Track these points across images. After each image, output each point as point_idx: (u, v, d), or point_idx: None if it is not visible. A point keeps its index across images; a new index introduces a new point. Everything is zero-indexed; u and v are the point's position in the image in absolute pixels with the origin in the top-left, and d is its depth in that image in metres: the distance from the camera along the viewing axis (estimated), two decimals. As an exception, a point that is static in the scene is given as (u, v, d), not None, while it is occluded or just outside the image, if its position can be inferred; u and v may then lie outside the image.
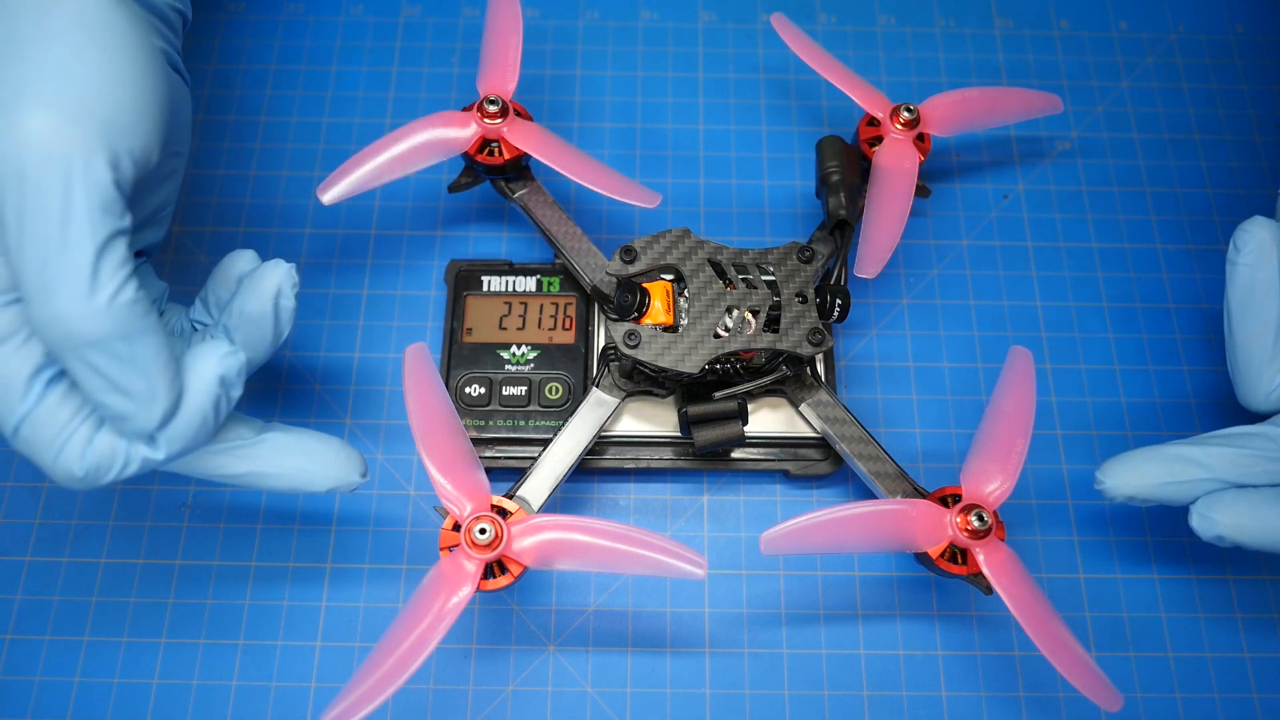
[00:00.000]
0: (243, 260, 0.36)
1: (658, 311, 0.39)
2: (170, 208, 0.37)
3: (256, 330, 0.35)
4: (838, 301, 0.40)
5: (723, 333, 0.39)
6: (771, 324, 0.39)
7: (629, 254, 0.39)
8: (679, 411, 0.41)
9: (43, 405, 0.30)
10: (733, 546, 0.43)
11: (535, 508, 0.38)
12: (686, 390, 0.41)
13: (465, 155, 0.43)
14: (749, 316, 0.39)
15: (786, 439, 0.43)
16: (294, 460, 0.35)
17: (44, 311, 0.28)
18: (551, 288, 0.45)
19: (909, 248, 0.48)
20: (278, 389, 0.45)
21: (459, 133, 0.43)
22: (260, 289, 0.34)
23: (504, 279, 0.45)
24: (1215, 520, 0.36)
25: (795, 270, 0.40)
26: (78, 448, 0.31)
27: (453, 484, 0.36)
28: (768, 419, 0.43)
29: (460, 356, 0.44)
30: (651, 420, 0.43)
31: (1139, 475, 0.37)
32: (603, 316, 0.44)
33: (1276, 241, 0.37)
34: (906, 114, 0.44)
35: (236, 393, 0.33)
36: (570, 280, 0.45)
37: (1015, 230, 0.49)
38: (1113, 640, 0.41)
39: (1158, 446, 0.38)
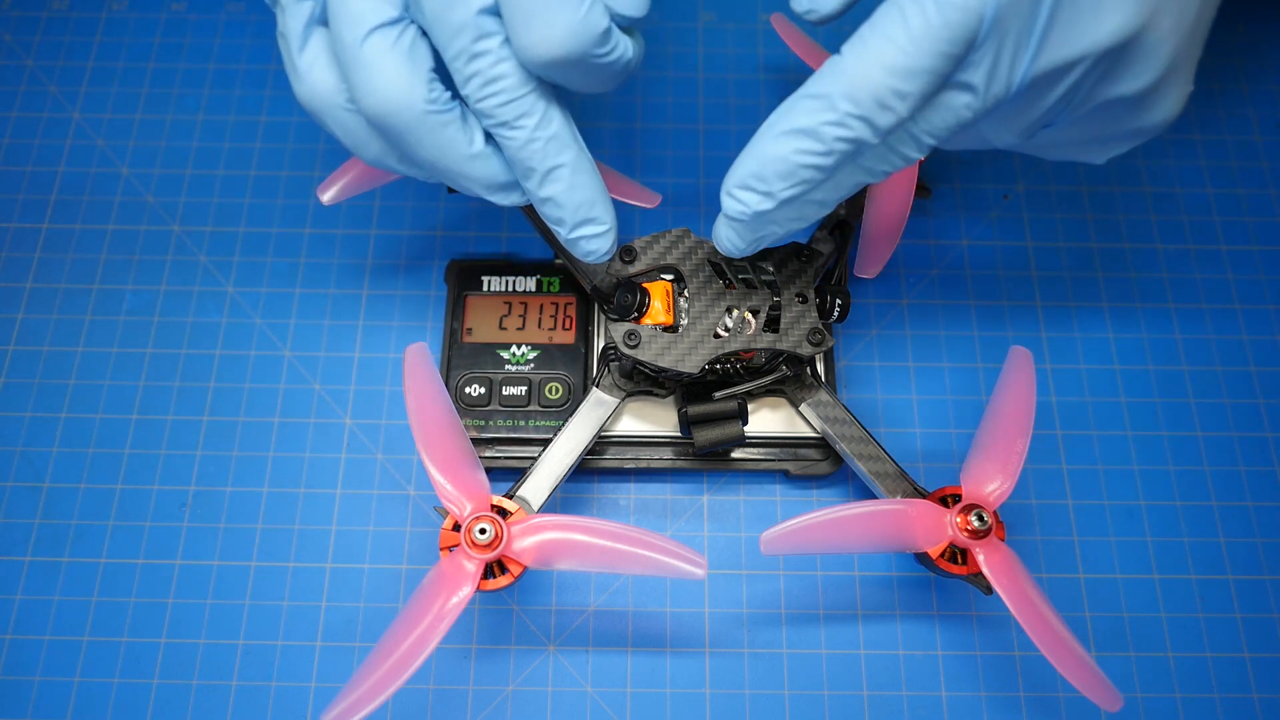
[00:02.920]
0: None
1: (658, 311, 0.39)
2: None
3: None
4: (838, 301, 0.40)
5: (723, 333, 0.39)
6: (771, 324, 0.39)
7: (629, 254, 0.39)
8: (679, 411, 0.41)
9: None
10: (733, 546, 0.43)
11: (535, 508, 0.38)
12: (686, 390, 0.41)
13: (465, 155, 0.43)
14: (749, 316, 0.39)
15: (786, 439, 0.43)
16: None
17: None
18: (551, 288, 0.45)
19: (909, 248, 0.48)
20: (278, 388, 0.45)
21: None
22: None
23: (504, 279, 0.45)
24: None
25: (795, 270, 0.40)
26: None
27: (453, 484, 0.36)
28: (768, 419, 0.43)
29: (460, 356, 0.44)
30: (651, 420, 0.43)
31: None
32: (603, 316, 0.44)
33: None
34: (906, 114, 0.44)
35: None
36: (570, 280, 0.45)
37: (1015, 230, 0.49)
38: (1113, 640, 0.41)
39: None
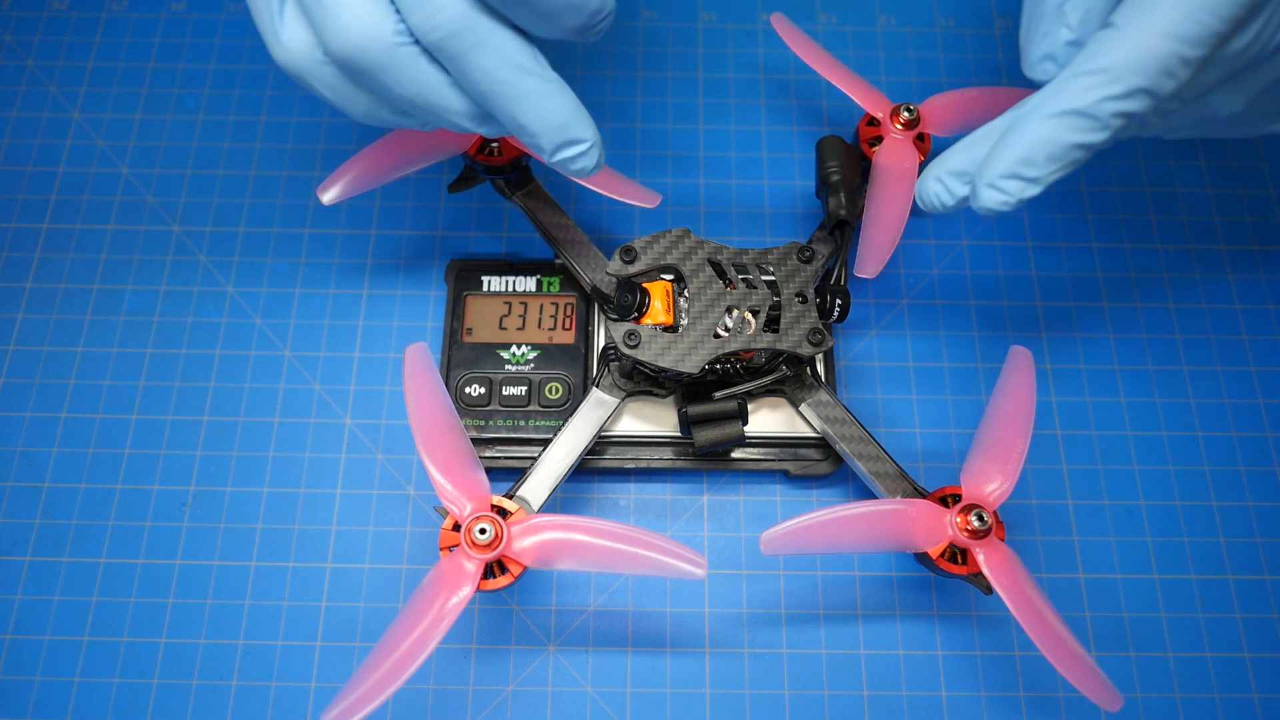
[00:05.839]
0: None
1: (658, 311, 0.39)
2: None
3: None
4: (838, 301, 0.40)
5: (723, 333, 0.39)
6: (771, 324, 0.39)
7: (629, 254, 0.39)
8: (679, 411, 0.41)
9: None
10: (733, 546, 0.43)
11: (535, 508, 0.38)
12: (686, 390, 0.41)
13: (465, 155, 0.43)
14: (749, 316, 0.39)
15: (786, 439, 0.43)
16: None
17: None
18: (551, 288, 0.45)
19: (909, 248, 0.48)
20: (278, 388, 0.45)
21: (459, 133, 0.43)
22: None
23: (504, 279, 0.45)
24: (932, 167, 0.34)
25: (795, 270, 0.40)
26: None
27: (453, 484, 0.36)
28: (768, 419, 0.43)
29: (460, 356, 0.44)
30: (651, 420, 0.43)
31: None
32: (603, 316, 0.44)
33: None
34: (906, 114, 0.44)
35: None
36: (570, 280, 0.45)
37: (1015, 231, 0.49)
38: (1113, 640, 0.41)
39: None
